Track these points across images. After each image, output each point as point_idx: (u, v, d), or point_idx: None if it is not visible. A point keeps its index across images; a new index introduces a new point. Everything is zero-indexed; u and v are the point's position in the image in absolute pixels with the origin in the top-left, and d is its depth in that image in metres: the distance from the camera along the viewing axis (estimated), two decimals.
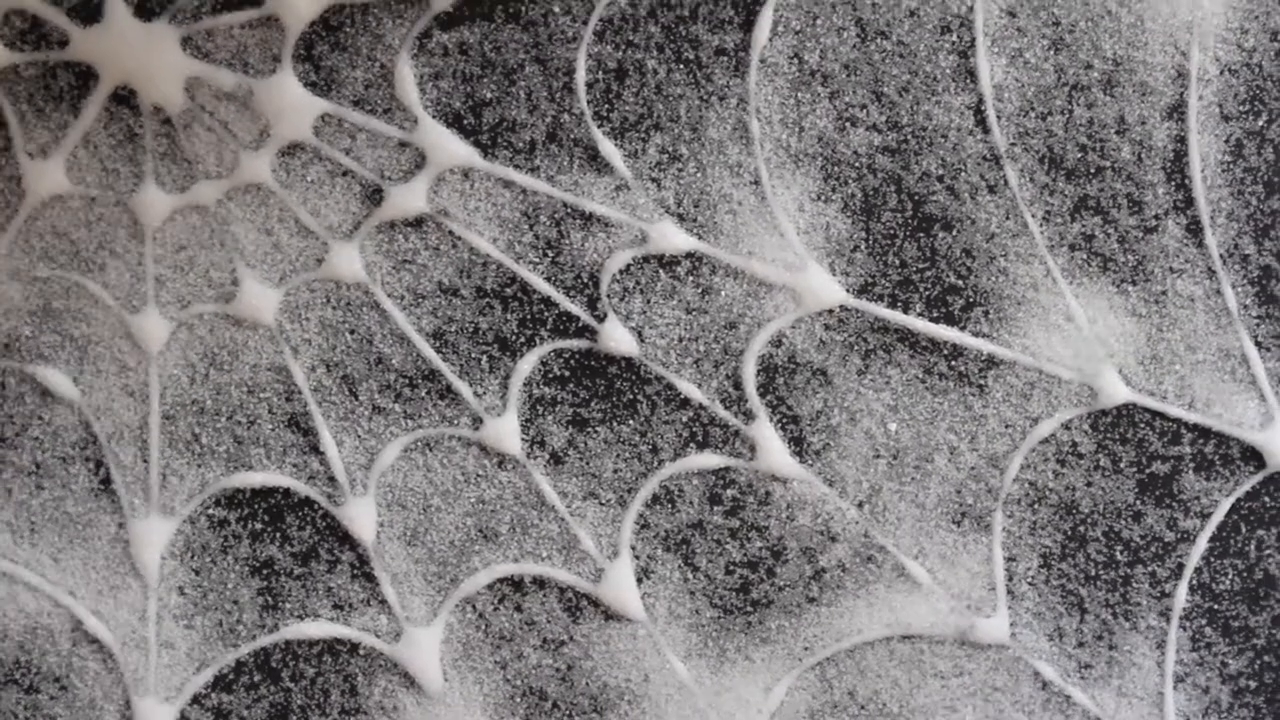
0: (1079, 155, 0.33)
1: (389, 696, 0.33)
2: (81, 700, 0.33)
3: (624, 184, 0.33)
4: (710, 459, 0.34)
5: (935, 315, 0.34)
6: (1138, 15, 0.32)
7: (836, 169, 0.33)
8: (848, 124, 0.33)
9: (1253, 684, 0.32)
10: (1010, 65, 0.33)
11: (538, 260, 0.33)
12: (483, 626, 0.34)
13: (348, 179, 0.33)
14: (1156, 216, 0.33)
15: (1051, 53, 0.33)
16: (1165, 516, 0.33)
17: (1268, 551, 0.33)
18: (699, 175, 0.33)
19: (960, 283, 0.33)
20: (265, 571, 0.33)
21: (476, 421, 0.33)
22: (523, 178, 0.33)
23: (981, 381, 0.33)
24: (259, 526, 0.33)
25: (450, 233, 0.33)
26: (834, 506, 0.34)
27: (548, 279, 0.33)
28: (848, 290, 0.34)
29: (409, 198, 0.33)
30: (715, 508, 0.34)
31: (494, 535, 0.34)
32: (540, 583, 0.34)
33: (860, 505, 0.34)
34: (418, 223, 0.33)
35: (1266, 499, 0.33)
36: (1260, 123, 0.32)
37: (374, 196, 0.33)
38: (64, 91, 0.33)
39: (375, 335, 0.33)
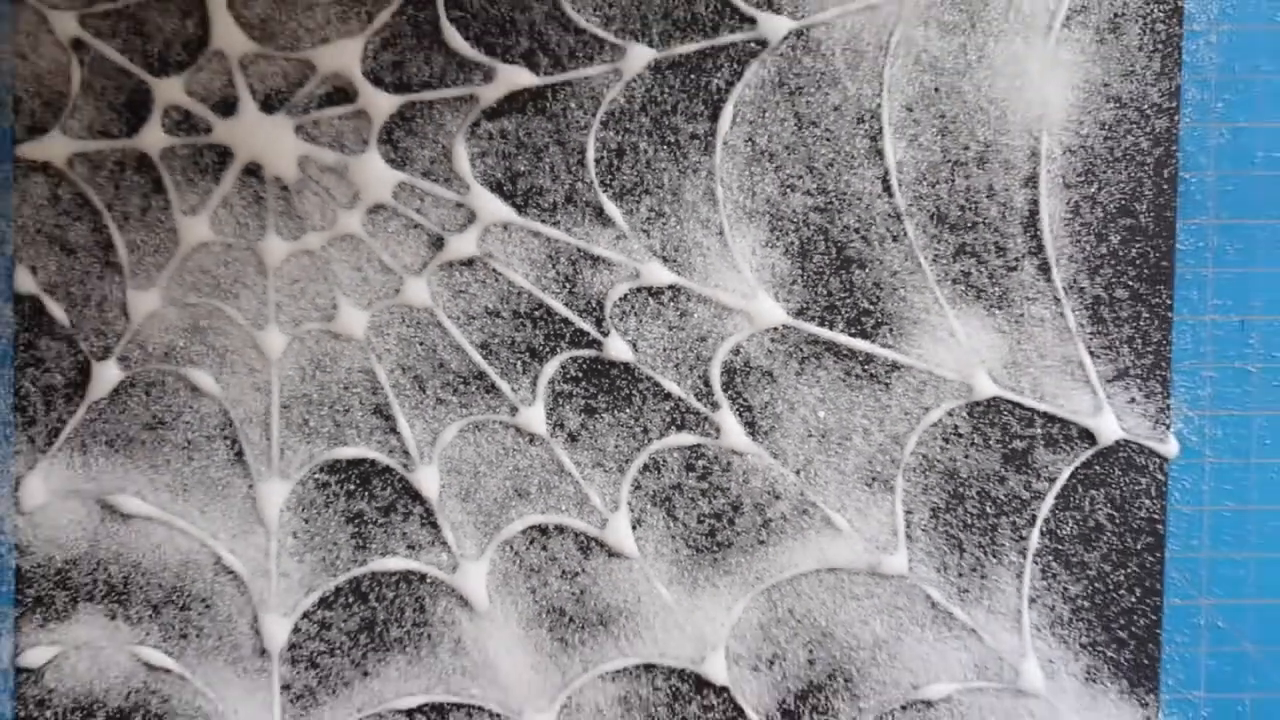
0: (959, 214, 0.40)
1: (448, 613, 0.41)
2: (221, 616, 0.41)
3: (622, 234, 0.40)
4: (686, 438, 0.41)
5: (853, 331, 0.41)
6: (1002, 109, 0.40)
7: (779, 223, 0.40)
8: (788, 190, 0.40)
9: (1086, 604, 0.40)
10: (908, 146, 0.40)
11: (558, 290, 0.41)
12: (517, 561, 0.41)
13: (418, 230, 0.40)
14: (1016, 259, 0.40)
15: (939, 137, 0.40)
16: (1022, 480, 0.41)
17: (1098, 506, 0.40)
18: (678, 228, 0.40)
19: (871, 308, 0.40)
20: (356, 521, 0.41)
21: (513, 410, 0.41)
22: (547, 229, 0.40)
23: (887, 381, 0.41)
24: (351, 488, 0.41)
25: (494, 270, 0.40)
26: (778, 473, 0.41)
27: (566, 304, 0.41)
28: (788, 313, 0.41)
29: (463, 244, 0.40)
30: (690, 474, 0.41)
31: (526, 494, 0.41)
32: (560, 529, 0.41)
33: (797, 472, 0.41)
34: (469, 263, 0.40)
35: (1097, 467, 0.40)
36: (1092, 189, 0.40)
37: (437, 243, 0.40)
38: (208, 166, 0.40)
39: (438, 346, 0.41)
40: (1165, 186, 0.40)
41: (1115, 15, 0.39)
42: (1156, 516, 0.40)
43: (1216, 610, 0.41)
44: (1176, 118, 0.40)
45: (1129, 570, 0.40)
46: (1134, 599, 0.40)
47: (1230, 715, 0.41)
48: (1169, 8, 0.39)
